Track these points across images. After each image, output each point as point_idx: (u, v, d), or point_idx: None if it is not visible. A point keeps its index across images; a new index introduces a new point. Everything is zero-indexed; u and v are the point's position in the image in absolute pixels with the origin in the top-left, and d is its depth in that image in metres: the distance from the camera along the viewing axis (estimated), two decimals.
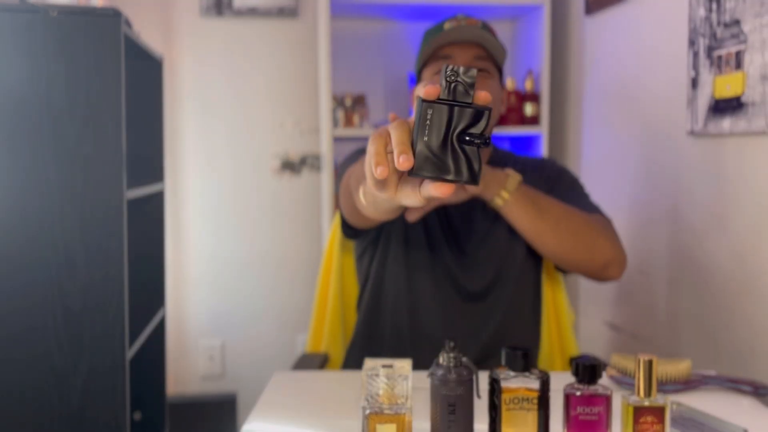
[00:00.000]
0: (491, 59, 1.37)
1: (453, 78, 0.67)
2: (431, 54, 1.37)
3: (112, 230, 1.39)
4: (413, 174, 0.69)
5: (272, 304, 2.62)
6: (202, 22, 2.51)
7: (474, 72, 0.67)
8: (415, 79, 1.46)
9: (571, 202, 1.38)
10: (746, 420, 0.99)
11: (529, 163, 1.51)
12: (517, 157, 1.53)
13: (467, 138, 0.67)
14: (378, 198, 0.82)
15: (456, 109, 0.67)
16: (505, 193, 1.25)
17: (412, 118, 0.71)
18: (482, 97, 0.69)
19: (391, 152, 0.71)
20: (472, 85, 0.67)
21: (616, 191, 2.03)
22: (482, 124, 0.67)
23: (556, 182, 1.46)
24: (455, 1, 2.27)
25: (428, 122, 0.67)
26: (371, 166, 0.71)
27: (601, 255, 1.32)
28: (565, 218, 1.30)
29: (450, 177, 0.68)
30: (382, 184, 0.75)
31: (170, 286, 2.51)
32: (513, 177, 1.26)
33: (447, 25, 1.38)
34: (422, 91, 0.67)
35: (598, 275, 1.36)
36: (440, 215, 1.44)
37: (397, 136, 0.69)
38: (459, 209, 1.44)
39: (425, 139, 0.68)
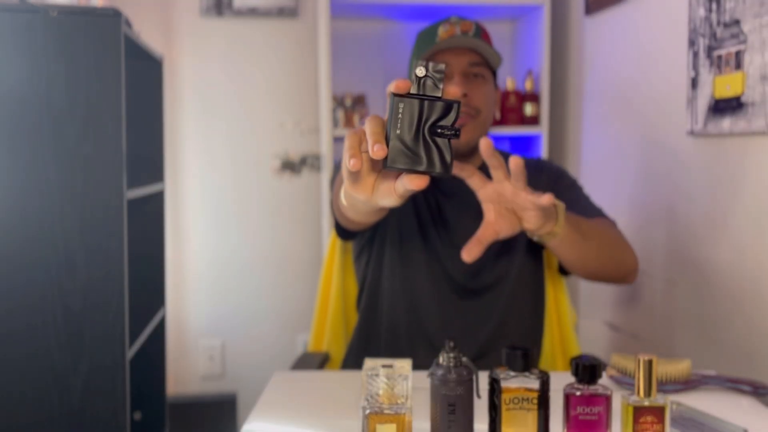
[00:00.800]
0: (486, 64, 1.37)
1: (422, 73, 0.69)
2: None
3: (112, 230, 1.39)
4: (387, 167, 0.70)
5: (272, 304, 2.62)
6: (202, 22, 2.51)
7: (442, 66, 0.69)
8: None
9: (574, 203, 1.38)
10: (746, 420, 0.99)
11: (527, 163, 1.50)
12: None
13: (438, 130, 0.69)
14: (355, 199, 0.81)
15: (426, 102, 0.69)
16: (558, 228, 1.18)
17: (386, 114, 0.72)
18: (451, 92, 0.70)
19: (366, 151, 0.72)
20: (441, 80, 0.69)
21: (615, 191, 2.03)
22: (452, 116, 0.69)
23: (556, 182, 1.46)
24: (455, 1, 2.27)
25: (400, 116, 0.69)
26: (345, 160, 0.72)
27: (626, 266, 1.36)
28: (598, 238, 1.28)
29: (423, 168, 0.69)
30: (357, 182, 0.75)
31: (170, 286, 2.51)
32: (560, 207, 1.19)
33: (441, 29, 1.37)
34: (393, 86, 0.69)
35: (618, 282, 1.41)
36: (434, 213, 1.44)
37: (370, 128, 0.70)
38: (454, 207, 1.44)
39: (398, 132, 0.69)
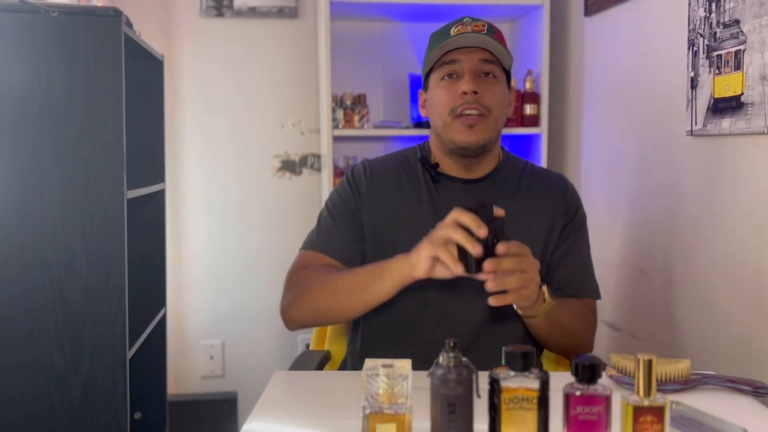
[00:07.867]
0: (498, 63, 1.36)
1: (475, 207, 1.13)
2: (437, 59, 1.37)
3: (112, 230, 1.39)
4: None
5: (272, 304, 2.59)
6: (202, 22, 2.51)
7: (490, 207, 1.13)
8: (422, 84, 1.45)
9: (571, 254, 1.38)
10: (746, 420, 0.99)
11: (553, 180, 1.45)
12: (535, 168, 1.47)
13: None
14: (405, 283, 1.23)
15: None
16: (539, 312, 1.26)
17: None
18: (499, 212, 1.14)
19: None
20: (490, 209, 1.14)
21: (615, 191, 2.03)
22: (498, 225, 1.13)
23: (571, 220, 1.40)
24: (456, 1, 2.27)
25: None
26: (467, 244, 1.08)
27: (575, 354, 1.39)
28: (566, 330, 1.33)
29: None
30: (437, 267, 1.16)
31: (170, 286, 2.50)
32: (549, 303, 1.26)
33: (453, 30, 1.36)
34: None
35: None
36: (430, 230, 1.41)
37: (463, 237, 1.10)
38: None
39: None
